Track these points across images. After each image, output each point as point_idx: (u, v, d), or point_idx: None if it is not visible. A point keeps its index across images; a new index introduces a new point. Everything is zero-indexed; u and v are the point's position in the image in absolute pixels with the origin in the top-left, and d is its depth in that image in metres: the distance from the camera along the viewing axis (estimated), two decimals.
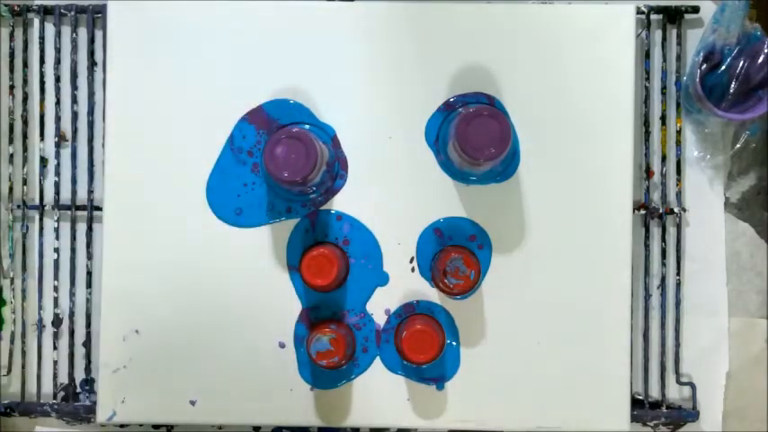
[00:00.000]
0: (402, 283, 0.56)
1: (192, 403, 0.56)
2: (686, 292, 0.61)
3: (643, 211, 0.60)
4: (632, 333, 0.57)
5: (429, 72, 0.56)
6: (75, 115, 0.60)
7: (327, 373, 0.55)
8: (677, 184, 0.61)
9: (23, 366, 0.60)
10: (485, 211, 0.55)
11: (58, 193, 0.61)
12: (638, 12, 0.59)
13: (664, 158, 0.60)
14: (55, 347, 0.61)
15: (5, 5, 0.61)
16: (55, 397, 0.60)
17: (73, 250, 0.60)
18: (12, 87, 0.61)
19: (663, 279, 0.60)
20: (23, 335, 0.61)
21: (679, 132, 0.61)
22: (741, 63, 0.58)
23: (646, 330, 0.60)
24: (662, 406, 0.60)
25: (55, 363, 0.61)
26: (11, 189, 0.61)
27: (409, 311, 0.56)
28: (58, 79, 0.61)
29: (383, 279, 0.56)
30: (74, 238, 0.60)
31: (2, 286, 0.61)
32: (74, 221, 0.60)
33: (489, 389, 0.56)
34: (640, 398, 0.60)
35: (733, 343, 0.62)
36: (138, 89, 0.56)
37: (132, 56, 0.56)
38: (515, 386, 0.56)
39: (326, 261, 0.52)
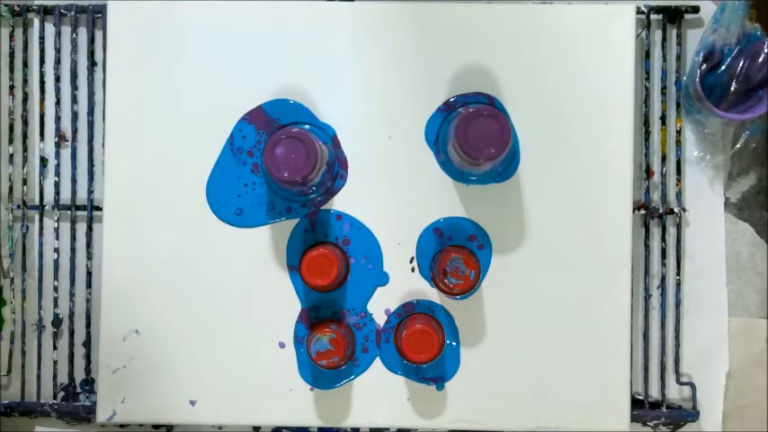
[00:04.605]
0: (402, 283, 0.56)
1: (192, 403, 0.56)
2: (686, 292, 0.61)
3: (643, 211, 0.60)
4: (632, 333, 0.57)
5: (429, 72, 0.56)
6: (75, 115, 0.60)
7: (327, 373, 0.55)
8: (677, 184, 0.61)
9: (23, 366, 0.60)
10: (485, 211, 0.55)
11: (57, 193, 0.61)
12: (638, 12, 0.59)
13: (664, 158, 0.60)
14: (55, 348, 0.61)
15: (5, 5, 0.61)
16: (55, 397, 0.60)
17: (73, 250, 0.60)
18: (12, 87, 0.61)
19: (663, 279, 0.60)
20: (23, 335, 0.61)
21: (679, 132, 0.61)
22: (741, 63, 0.58)
23: (646, 330, 0.60)
24: (662, 406, 0.60)
25: (55, 363, 0.61)
26: (11, 189, 0.61)
27: (409, 311, 0.56)
28: (58, 79, 0.61)
29: (383, 279, 0.56)
30: (74, 238, 0.60)
31: (2, 286, 0.61)
32: (74, 221, 0.60)
33: (489, 389, 0.56)
34: (640, 398, 0.60)
35: (733, 343, 0.62)
36: (138, 89, 0.56)
37: (132, 56, 0.56)
38: (515, 386, 0.56)
39: (326, 261, 0.52)
